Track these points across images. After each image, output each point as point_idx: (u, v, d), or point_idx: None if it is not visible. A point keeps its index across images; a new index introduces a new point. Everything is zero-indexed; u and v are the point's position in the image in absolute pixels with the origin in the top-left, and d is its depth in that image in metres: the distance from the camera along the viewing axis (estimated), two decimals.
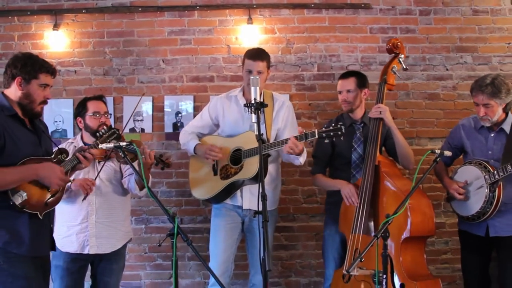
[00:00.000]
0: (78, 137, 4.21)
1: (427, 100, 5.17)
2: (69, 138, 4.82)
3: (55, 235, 3.72)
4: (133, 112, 4.41)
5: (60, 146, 3.69)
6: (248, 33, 5.13)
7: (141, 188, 4.07)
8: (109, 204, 4.11)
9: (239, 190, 4.18)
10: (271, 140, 4.11)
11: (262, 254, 2.89)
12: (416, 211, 3.73)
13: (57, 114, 5.12)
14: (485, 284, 4.16)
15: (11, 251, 3.17)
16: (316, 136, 3.72)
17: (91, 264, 4.14)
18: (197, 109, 4.94)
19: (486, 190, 3.81)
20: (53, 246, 3.52)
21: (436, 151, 3.42)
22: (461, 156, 4.29)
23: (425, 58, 5.16)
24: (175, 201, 5.09)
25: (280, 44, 5.17)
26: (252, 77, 3.35)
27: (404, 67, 4.23)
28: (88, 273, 4.25)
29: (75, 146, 4.05)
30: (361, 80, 4.29)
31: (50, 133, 4.73)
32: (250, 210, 4.16)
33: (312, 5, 5.14)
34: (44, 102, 3.39)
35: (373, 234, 3.65)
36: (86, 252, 3.99)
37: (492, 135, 4.01)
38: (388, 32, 5.14)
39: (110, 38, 5.21)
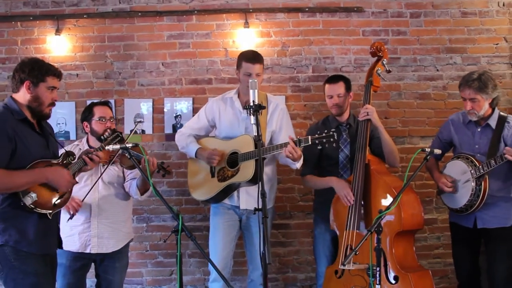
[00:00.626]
0: (84, 140, 4.30)
1: (419, 100, 5.26)
2: (72, 140, 4.94)
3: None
4: (134, 128, 4.46)
5: (65, 148, 3.82)
6: (244, 36, 5.19)
7: (142, 193, 4.17)
8: (111, 206, 4.20)
9: (236, 191, 4.27)
10: (266, 142, 4.19)
11: (262, 249, 3.03)
12: (407, 206, 3.84)
13: (59, 116, 5.19)
14: (475, 275, 4.27)
15: (21, 249, 3.27)
16: (309, 143, 3.79)
17: (94, 262, 4.23)
18: (196, 111, 4.96)
19: (473, 184, 3.94)
20: (60, 244, 3.64)
21: (426, 149, 3.53)
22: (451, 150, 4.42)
23: (416, 59, 5.25)
24: (175, 200, 5.17)
25: (276, 47, 5.25)
26: (251, 80, 3.48)
27: (387, 69, 4.31)
28: (93, 271, 4.33)
29: (80, 149, 4.15)
30: (348, 84, 4.43)
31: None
32: (247, 210, 4.25)
33: (307, 9, 5.21)
34: (52, 104, 3.48)
35: (365, 230, 3.75)
36: (88, 251, 4.09)
37: (479, 129, 4.12)
38: (380, 35, 5.23)
39: (111, 42, 5.27)
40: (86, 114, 4.24)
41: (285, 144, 3.88)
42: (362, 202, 3.99)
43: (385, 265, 3.75)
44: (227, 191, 4.25)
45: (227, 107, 4.41)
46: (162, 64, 5.28)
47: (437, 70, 5.27)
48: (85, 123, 4.24)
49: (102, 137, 3.81)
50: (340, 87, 4.36)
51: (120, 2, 5.26)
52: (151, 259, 5.25)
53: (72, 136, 5.17)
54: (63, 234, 3.97)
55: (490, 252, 4.12)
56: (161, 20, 5.26)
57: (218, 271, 3.20)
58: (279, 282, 5.27)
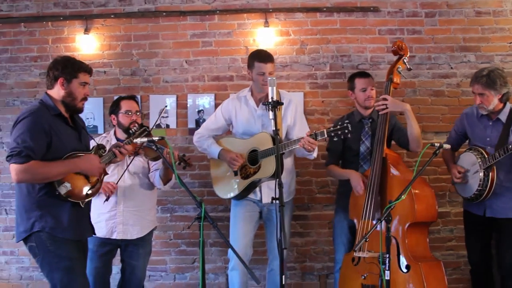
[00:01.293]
0: (112, 132, 4.51)
1: (433, 96, 5.32)
2: (99, 134, 5.08)
3: None
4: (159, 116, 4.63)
5: (94, 139, 4.02)
6: (264, 35, 5.30)
7: (165, 183, 4.36)
8: (136, 194, 4.40)
9: (259, 187, 4.43)
10: (283, 137, 4.34)
11: (278, 235, 3.23)
12: (420, 199, 3.99)
13: (88, 111, 5.35)
14: (485, 260, 4.43)
15: (56, 235, 3.47)
16: (325, 136, 3.96)
17: (120, 248, 4.45)
18: (217, 106, 5.00)
19: (481, 174, 4.12)
20: (93, 231, 3.85)
21: (436, 144, 3.65)
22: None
23: (431, 57, 5.30)
24: (197, 192, 5.29)
25: (294, 46, 5.35)
26: (269, 78, 3.63)
27: (408, 67, 4.41)
28: (118, 257, 4.56)
29: (108, 141, 4.37)
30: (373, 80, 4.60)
31: None
32: (269, 203, 4.38)
33: (324, 9, 5.30)
34: (85, 98, 3.68)
35: None
36: (113, 237, 4.31)
37: (491, 123, 4.27)
38: (396, 34, 5.29)
39: (137, 41, 5.42)
40: (114, 108, 4.43)
41: (301, 139, 4.04)
42: (376, 194, 4.13)
43: (398, 255, 3.89)
44: (250, 188, 4.41)
45: (242, 105, 4.53)
46: (186, 62, 5.41)
47: (451, 68, 5.32)
48: (113, 116, 4.44)
49: (130, 131, 3.98)
50: (372, 81, 4.55)
51: (145, 3, 5.40)
52: (174, 247, 5.42)
53: (100, 130, 5.35)
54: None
55: (499, 240, 4.29)
56: (184, 19, 5.39)
57: (238, 256, 3.40)
58: (296, 271, 5.39)
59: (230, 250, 4.37)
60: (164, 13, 5.38)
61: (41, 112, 3.51)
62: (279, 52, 5.34)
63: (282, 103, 3.66)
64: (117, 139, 4.38)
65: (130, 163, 4.30)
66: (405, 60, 4.39)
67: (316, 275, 5.41)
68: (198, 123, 5.31)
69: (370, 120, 4.53)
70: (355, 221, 4.30)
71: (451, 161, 4.50)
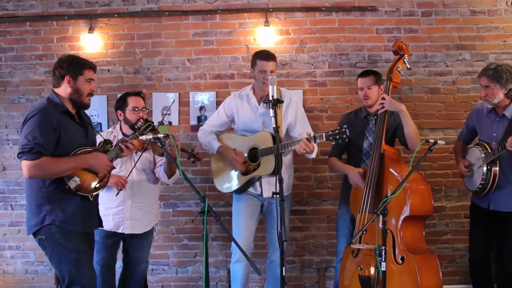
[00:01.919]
0: (117, 127, 4.59)
1: (429, 94, 5.40)
2: (103, 130, 5.12)
3: None
4: (167, 111, 4.70)
5: (101, 135, 4.15)
6: (265, 34, 5.37)
7: (169, 177, 4.46)
8: (143, 190, 4.51)
9: (258, 181, 4.53)
10: (283, 135, 4.44)
11: (279, 228, 3.35)
12: (415, 193, 4.08)
13: (92, 109, 5.19)
14: (485, 252, 4.55)
15: (66, 228, 3.60)
16: (324, 139, 4.07)
17: (123, 240, 4.55)
18: (219, 104, 5.12)
19: (484, 169, 4.26)
20: (100, 223, 3.97)
21: (430, 140, 3.75)
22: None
23: (427, 55, 5.38)
24: (199, 187, 5.32)
25: (294, 44, 5.42)
26: (270, 77, 3.72)
27: (408, 67, 4.46)
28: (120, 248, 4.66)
29: (115, 136, 4.46)
30: (378, 78, 4.62)
31: None
32: (269, 197, 4.47)
33: (323, 8, 5.37)
34: (91, 94, 3.79)
35: None
36: (120, 231, 4.42)
37: (497, 119, 4.37)
38: (393, 32, 5.37)
39: (140, 40, 5.48)
40: (120, 104, 4.50)
41: (307, 140, 4.13)
42: (374, 188, 4.22)
43: (393, 247, 3.99)
44: (249, 183, 4.52)
45: (244, 103, 4.63)
46: (188, 60, 5.48)
47: (447, 66, 5.39)
48: (119, 112, 4.51)
49: (136, 126, 4.08)
50: (370, 81, 4.58)
51: (148, 2, 5.46)
52: (177, 242, 5.51)
53: (104, 127, 5.42)
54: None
55: (501, 233, 4.41)
56: (186, 19, 5.45)
57: (241, 249, 3.52)
58: (296, 264, 5.48)
59: (233, 244, 4.51)
60: (167, 13, 5.45)
61: (49, 109, 3.62)
62: (279, 51, 5.41)
63: (282, 101, 3.76)
64: (123, 134, 4.47)
65: (138, 160, 4.39)
66: (405, 60, 4.46)
67: (315, 268, 5.50)
68: (200, 120, 5.40)
69: (376, 117, 4.60)
70: (355, 215, 4.39)
71: (460, 155, 4.63)
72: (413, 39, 5.39)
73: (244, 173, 4.51)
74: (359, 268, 4.10)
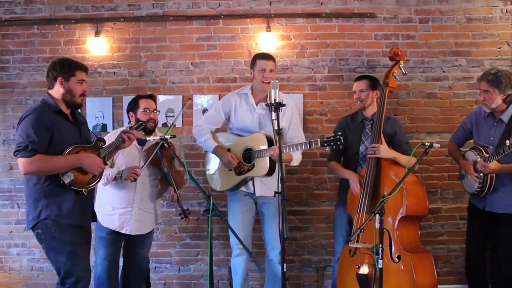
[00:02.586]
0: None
1: (426, 98, 5.51)
2: (108, 132, 5.27)
3: (99, 211, 4.35)
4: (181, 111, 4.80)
5: (111, 135, 4.33)
6: (266, 39, 5.46)
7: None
8: (149, 193, 4.63)
9: (251, 180, 4.65)
10: (277, 137, 4.49)
11: (280, 226, 3.48)
12: (411, 195, 4.19)
13: (98, 110, 5.55)
14: (481, 252, 4.66)
15: (61, 221, 3.77)
16: (319, 145, 4.21)
17: (127, 237, 4.65)
18: None
19: (481, 173, 4.37)
20: (94, 217, 4.13)
21: (426, 143, 3.85)
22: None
23: (424, 61, 5.49)
24: (202, 187, 5.43)
25: (295, 49, 5.53)
26: (272, 81, 3.84)
27: (404, 72, 4.57)
28: None
29: None
30: (373, 83, 4.70)
31: (91, 127, 5.27)
32: (262, 196, 4.64)
33: (324, 15, 5.48)
34: (83, 95, 3.95)
35: None
36: (123, 232, 4.53)
37: (494, 123, 4.47)
38: (391, 39, 5.47)
39: (145, 44, 5.58)
40: (132, 106, 4.63)
41: (302, 145, 4.29)
42: (371, 189, 4.34)
43: (390, 246, 4.11)
44: (243, 183, 4.66)
45: (242, 101, 4.73)
46: (191, 64, 5.58)
47: (443, 71, 5.50)
48: (131, 114, 4.64)
49: (129, 126, 4.25)
50: (362, 84, 4.68)
51: (153, 7, 5.55)
52: (179, 240, 5.61)
53: (109, 128, 5.52)
54: (103, 211, 4.47)
55: (496, 233, 4.52)
56: (190, 23, 5.55)
57: (243, 244, 3.71)
58: (295, 264, 5.58)
59: (232, 240, 4.67)
60: (171, 18, 5.55)
61: (43, 109, 3.80)
62: (280, 56, 5.52)
63: (284, 105, 3.86)
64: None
65: (144, 165, 4.51)
66: (400, 66, 4.56)
67: (314, 268, 5.60)
68: None
69: (371, 121, 4.68)
70: (352, 215, 4.51)
71: (461, 157, 4.68)
72: (410, 45, 5.50)
73: (238, 173, 4.63)
74: (357, 266, 4.22)
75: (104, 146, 3.97)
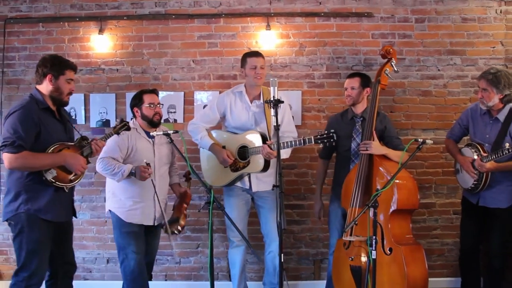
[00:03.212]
0: (137, 123, 4.69)
1: (421, 96, 5.60)
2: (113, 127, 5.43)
3: (118, 208, 4.47)
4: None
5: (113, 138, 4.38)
6: (266, 38, 5.56)
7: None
8: (164, 183, 4.75)
9: (247, 176, 4.78)
10: (271, 134, 4.64)
11: (278, 218, 3.62)
12: (402, 189, 4.31)
13: (101, 106, 5.66)
14: (475, 244, 4.79)
15: (40, 217, 3.83)
16: (313, 142, 4.35)
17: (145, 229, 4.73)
18: None
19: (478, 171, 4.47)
20: (74, 213, 4.21)
21: (419, 139, 3.96)
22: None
23: (420, 60, 5.59)
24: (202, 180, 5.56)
25: (294, 47, 5.62)
26: (271, 79, 3.97)
27: (395, 70, 4.68)
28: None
29: (136, 129, 4.63)
30: (365, 80, 4.78)
31: (95, 122, 5.42)
32: (258, 192, 4.77)
33: (322, 14, 5.57)
34: (70, 93, 4.01)
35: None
36: (146, 223, 4.62)
37: (491, 121, 4.55)
38: (388, 37, 5.57)
39: (148, 41, 5.67)
40: (137, 101, 4.68)
41: (296, 142, 4.42)
42: (363, 184, 4.45)
43: (382, 238, 4.22)
44: (238, 179, 4.79)
45: (237, 100, 4.83)
46: (193, 61, 5.68)
47: (439, 70, 5.60)
48: (136, 109, 4.68)
49: (114, 125, 4.34)
50: (354, 82, 4.77)
51: (156, 6, 5.65)
52: (180, 233, 5.66)
53: (112, 123, 5.57)
54: (124, 207, 4.60)
55: (489, 227, 4.64)
56: (192, 22, 5.64)
57: (242, 235, 3.84)
58: (293, 256, 5.69)
59: (229, 232, 4.82)
60: (173, 16, 5.65)
61: (31, 105, 3.84)
62: (280, 54, 5.63)
63: (283, 101, 3.99)
64: (144, 131, 4.68)
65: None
66: (392, 64, 4.66)
67: (311, 260, 5.73)
68: None
69: (361, 118, 4.79)
70: (346, 209, 4.61)
71: (458, 153, 4.78)
72: (406, 44, 5.61)
73: (233, 170, 4.74)
74: (350, 259, 4.34)
75: (86, 145, 4.03)
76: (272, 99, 3.94)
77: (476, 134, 4.68)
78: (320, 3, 5.63)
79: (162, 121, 5.15)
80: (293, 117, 5.42)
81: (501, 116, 4.51)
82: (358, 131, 4.79)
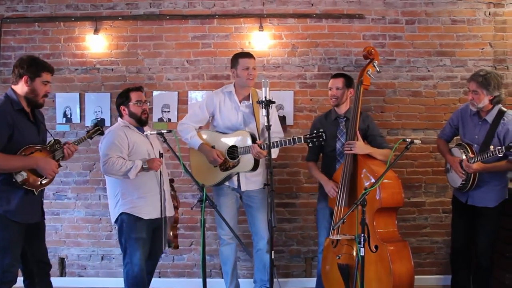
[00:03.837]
0: (126, 121, 4.60)
1: (411, 97, 5.70)
2: (108, 126, 5.46)
3: (133, 207, 4.39)
4: None
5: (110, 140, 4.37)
6: (259, 38, 5.64)
7: None
8: (165, 174, 4.72)
9: (236, 176, 4.84)
10: (260, 133, 4.72)
11: (269, 216, 3.71)
12: (386, 188, 4.35)
13: (96, 105, 5.73)
14: (465, 241, 4.84)
15: (9, 218, 3.79)
16: (302, 141, 4.41)
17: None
18: None
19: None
20: (43, 214, 4.16)
21: (407, 139, 3.99)
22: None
23: (410, 61, 5.69)
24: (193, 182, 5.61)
25: (286, 48, 5.70)
26: (263, 80, 4.01)
27: (378, 70, 4.70)
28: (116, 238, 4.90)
29: (128, 126, 4.56)
30: (348, 81, 4.82)
31: (90, 121, 5.47)
32: (247, 191, 4.84)
33: (314, 15, 5.66)
34: (45, 95, 3.97)
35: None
36: (155, 217, 4.48)
37: (480, 122, 4.60)
38: (379, 39, 5.66)
39: (142, 42, 5.75)
40: (123, 99, 4.58)
41: (286, 141, 4.48)
42: (348, 184, 4.51)
43: (368, 236, 4.25)
44: (227, 178, 4.85)
45: (226, 99, 4.88)
46: (187, 62, 5.75)
47: (428, 71, 5.70)
48: (122, 107, 4.57)
49: (86, 129, 4.35)
50: (338, 82, 4.80)
51: (150, 7, 5.72)
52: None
53: (107, 122, 5.69)
54: (137, 206, 4.45)
55: (477, 225, 4.71)
56: (186, 22, 5.72)
57: (234, 232, 3.88)
58: (285, 254, 5.78)
59: (220, 231, 4.89)
60: (168, 17, 5.72)
61: (5, 106, 3.80)
62: (272, 54, 5.71)
63: (274, 102, 4.05)
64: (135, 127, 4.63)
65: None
66: (374, 64, 4.68)
67: (303, 258, 5.82)
68: None
69: (345, 118, 4.83)
70: (333, 208, 4.64)
71: (448, 153, 4.83)
72: (397, 45, 5.70)
73: (223, 169, 4.80)
74: (337, 257, 4.42)
75: (59, 149, 4.00)
76: (264, 99, 3.99)
77: (465, 134, 4.74)
78: (312, 4, 5.71)
79: (156, 120, 5.20)
80: (285, 117, 5.54)
81: (489, 118, 4.55)
82: (342, 131, 4.84)
